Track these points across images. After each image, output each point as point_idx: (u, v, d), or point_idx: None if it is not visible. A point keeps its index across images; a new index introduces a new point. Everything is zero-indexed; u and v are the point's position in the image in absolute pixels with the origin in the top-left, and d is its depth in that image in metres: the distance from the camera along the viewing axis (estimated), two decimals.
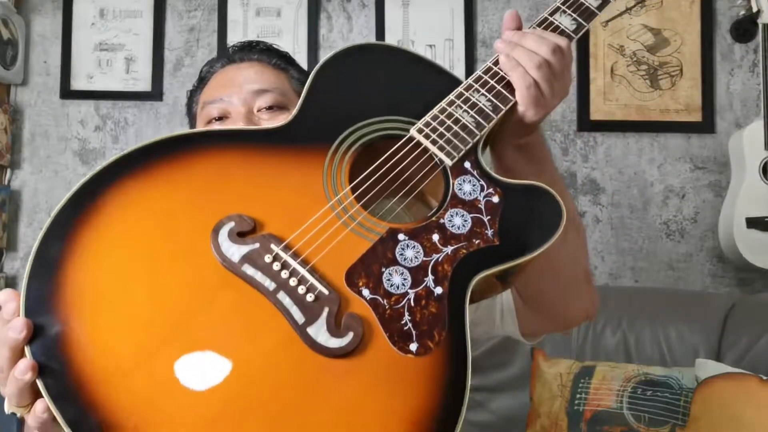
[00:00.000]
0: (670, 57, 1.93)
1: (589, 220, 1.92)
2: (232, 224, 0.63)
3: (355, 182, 0.69)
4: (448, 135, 0.73)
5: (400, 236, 0.65)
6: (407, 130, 0.73)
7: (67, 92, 2.00)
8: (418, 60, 0.81)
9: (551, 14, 0.81)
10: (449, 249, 0.65)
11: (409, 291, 0.61)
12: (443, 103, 0.75)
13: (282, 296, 0.59)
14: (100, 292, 0.59)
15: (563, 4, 0.81)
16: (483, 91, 0.76)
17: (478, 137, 0.72)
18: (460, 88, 0.76)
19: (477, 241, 0.65)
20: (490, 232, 0.66)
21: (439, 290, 0.62)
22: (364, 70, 0.79)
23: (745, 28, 1.89)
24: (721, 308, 1.54)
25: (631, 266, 1.91)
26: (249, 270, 0.60)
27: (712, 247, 1.89)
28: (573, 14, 0.82)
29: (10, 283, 1.97)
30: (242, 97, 0.97)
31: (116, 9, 2.01)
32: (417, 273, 0.63)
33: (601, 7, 0.83)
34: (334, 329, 0.58)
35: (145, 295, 0.59)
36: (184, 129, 0.84)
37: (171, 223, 0.64)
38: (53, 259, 0.59)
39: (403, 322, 0.59)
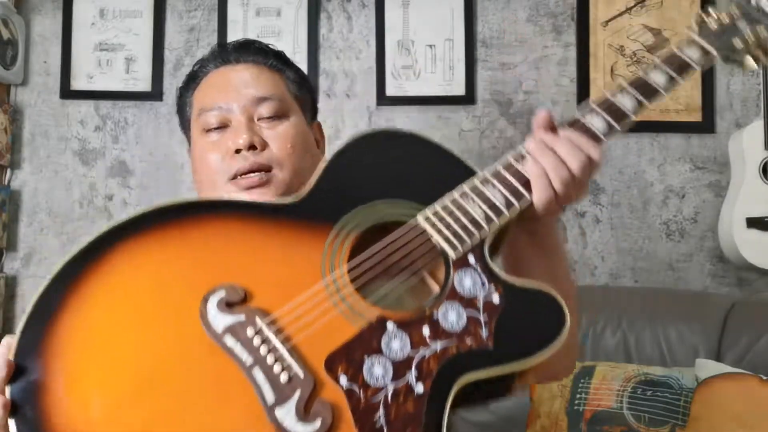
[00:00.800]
0: None
1: (589, 220, 1.92)
2: (222, 293, 0.63)
3: (352, 261, 0.68)
4: (454, 226, 0.71)
5: (389, 325, 0.62)
6: (415, 216, 0.72)
7: (67, 92, 2.00)
8: (438, 150, 0.80)
9: (582, 114, 0.78)
10: (438, 345, 0.61)
11: (388, 384, 0.59)
12: (455, 193, 0.73)
13: (257, 372, 0.59)
14: (86, 347, 0.61)
15: (596, 104, 0.79)
16: (499, 186, 0.74)
17: (486, 232, 0.70)
18: (475, 180, 0.75)
19: (469, 342, 0.62)
20: (484, 334, 0.62)
21: (420, 388, 0.58)
22: (382, 154, 0.78)
23: None
24: (721, 308, 1.54)
25: (631, 266, 1.91)
26: (229, 341, 0.60)
27: (712, 247, 1.89)
28: (605, 115, 0.78)
29: (10, 283, 1.97)
30: (242, 105, 0.95)
31: (116, 9, 2.01)
32: (400, 367, 0.60)
33: (636, 111, 0.80)
34: (303, 414, 0.56)
35: (126, 354, 0.61)
36: (191, 196, 0.85)
37: (165, 287, 0.65)
38: (49, 309, 0.62)
39: (376, 417, 0.56)
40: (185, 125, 1.04)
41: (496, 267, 0.69)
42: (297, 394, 0.57)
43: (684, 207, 1.91)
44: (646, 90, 0.79)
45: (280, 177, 0.93)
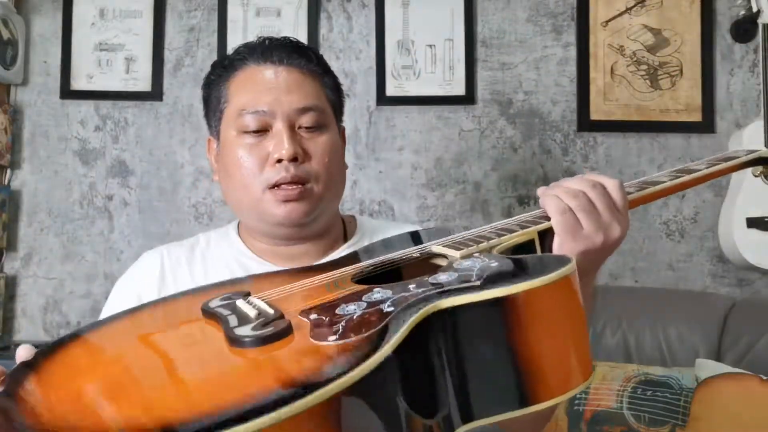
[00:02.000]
0: (670, 57, 1.93)
1: None
2: (229, 294, 0.65)
3: (357, 265, 0.70)
4: (463, 240, 0.71)
5: (376, 289, 0.59)
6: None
7: (67, 92, 2.00)
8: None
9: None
10: (421, 290, 0.57)
11: (357, 311, 0.55)
12: (473, 231, 0.74)
13: (231, 318, 0.58)
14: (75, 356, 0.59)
15: (630, 185, 0.83)
16: (514, 223, 0.75)
17: (494, 241, 0.69)
18: (493, 224, 0.76)
19: (456, 286, 0.56)
20: (475, 275, 0.58)
21: (390, 309, 0.54)
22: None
23: (745, 28, 1.89)
24: (721, 308, 1.54)
25: (631, 266, 1.91)
26: (219, 308, 0.61)
27: (712, 247, 1.89)
28: (635, 186, 0.84)
29: (10, 283, 1.97)
30: (285, 112, 0.93)
31: (116, 9, 2.01)
32: (376, 303, 0.56)
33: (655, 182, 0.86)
34: (259, 327, 0.53)
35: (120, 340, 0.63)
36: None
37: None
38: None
39: (335, 326, 0.52)
40: (213, 113, 1.01)
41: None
42: (260, 320, 0.55)
43: (684, 207, 1.91)
44: (686, 171, 0.86)
45: (316, 191, 0.94)
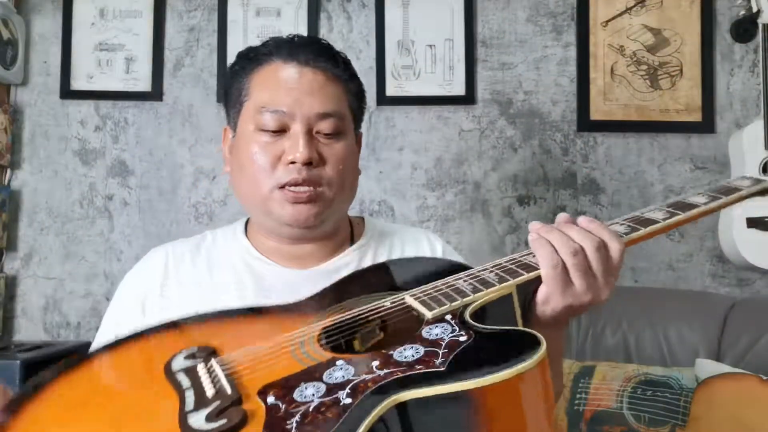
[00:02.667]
0: (670, 57, 1.93)
1: None
2: (193, 350, 0.66)
3: (328, 320, 0.69)
4: (436, 294, 0.67)
5: (339, 362, 0.58)
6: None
7: (67, 92, 2.00)
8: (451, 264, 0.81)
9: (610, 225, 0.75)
10: (383, 371, 0.54)
11: (315, 400, 0.52)
12: (449, 278, 0.71)
13: (189, 391, 0.58)
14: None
15: (626, 219, 0.77)
16: (496, 270, 0.70)
17: (470, 299, 0.65)
18: (474, 269, 0.72)
19: (420, 367, 0.53)
20: (439, 361, 0.54)
21: (347, 400, 0.51)
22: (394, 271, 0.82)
23: (745, 28, 1.89)
24: (721, 308, 1.54)
25: (631, 266, 1.91)
26: (180, 375, 0.62)
27: (712, 247, 1.89)
28: (629, 223, 0.76)
29: (10, 282, 1.97)
30: (304, 115, 0.93)
31: (116, 9, 2.01)
32: (334, 388, 0.53)
33: (666, 219, 0.79)
34: (213, 417, 0.53)
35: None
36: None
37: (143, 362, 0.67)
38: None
39: (290, 422, 0.50)
40: (233, 104, 1.00)
41: (474, 322, 0.62)
42: (216, 404, 0.55)
43: None
44: (682, 206, 0.82)
45: (327, 195, 0.94)
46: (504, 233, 1.93)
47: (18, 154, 2.01)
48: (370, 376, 0.53)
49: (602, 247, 0.69)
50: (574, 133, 1.94)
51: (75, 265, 1.98)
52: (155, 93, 2.00)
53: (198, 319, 0.75)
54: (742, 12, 1.83)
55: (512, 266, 0.70)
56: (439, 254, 1.07)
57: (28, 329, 1.97)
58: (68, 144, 2.01)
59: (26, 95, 2.03)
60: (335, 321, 0.69)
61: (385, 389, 0.51)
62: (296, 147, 0.91)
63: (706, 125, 1.91)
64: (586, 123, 1.93)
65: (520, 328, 0.64)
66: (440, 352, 0.55)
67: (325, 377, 0.55)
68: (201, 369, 0.61)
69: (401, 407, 0.50)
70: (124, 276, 1.04)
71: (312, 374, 0.56)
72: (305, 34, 1.97)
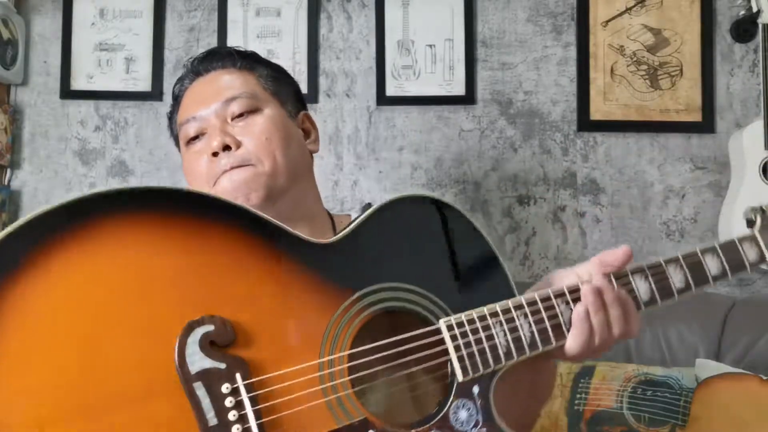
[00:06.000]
0: (670, 57, 1.93)
1: (589, 220, 1.92)
2: (210, 328, 0.55)
3: (357, 350, 0.63)
4: (473, 349, 0.66)
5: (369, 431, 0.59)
6: (437, 316, 0.67)
7: (67, 92, 2.00)
8: (482, 244, 0.74)
9: (633, 272, 0.77)
10: None
11: None
12: (486, 310, 0.68)
13: (210, 416, 0.52)
14: (25, 347, 0.51)
15: (649, 268, 0.78)
16: (531, 319, 0.69)
17: (501, 366, 0.67)
18: (509, 303, 0.69)
19: None
20: None
21: None
22: (423, 226, 0.73)
23: (745, 28, 1.89)
24: (721, 308, 1.54)
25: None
26: (200, 390, 0.53)
27: None
28: (652, 283, 0.77)
29: None
30: (214, 110, 0.95)
31: (116, 9, 2.01)
32: None
33: (681, 292, 0.79)
34: None
35: (72, 363, 0.52)
36: (209, 192, 0.76)
37: (149, 290, 0.55)
38: (6, 265, 0.52)
39: None
40: (177, 144, 1.06)
41: (495, 409, 0.65)
42: None
43: (684, 207, 1.91)
44: (698, 275, 0.79)
45: (262, 169, 0.93)
46: (504, 233, 1.93)
47: (18, 154, 2.01)
48: None
49: (625, 334, 0.73)
50: (574, 133, 1.94)
51: None
52: (155, 93, 2.00)
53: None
54: (742, 12, 1.83)
55: (545, 317, 0.69)
56: None
57: None
58: (68, 144, 2.01)
59: (26, 95, 2.03)
60: (363, 353, 0.64)
61: None
62: (212, 138, 0.93)
63: (706, 125, 1.91)
64: (586, 123, 1.93)
65: None
66: None
67: None
68: (226, 388, 0.54)
69: None
70: None
71: None
72: (305, 34, 1.97)
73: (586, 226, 1.92)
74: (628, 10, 1.94)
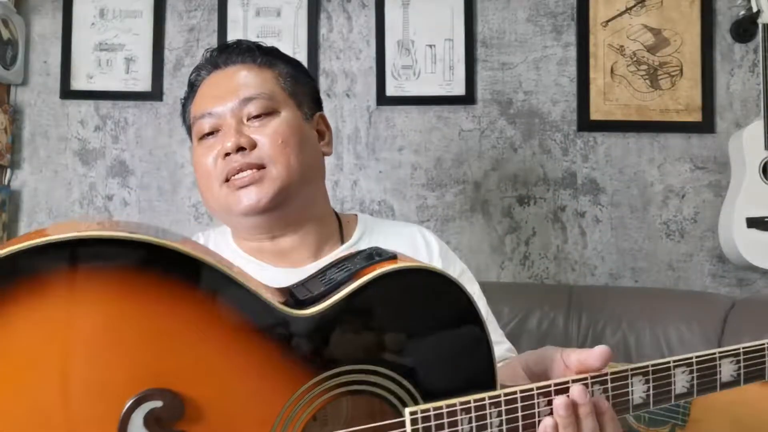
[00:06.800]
0: (670, 57, 1.93)
1: (589, 220, 1.92)
2: (159, 404, 0.52)
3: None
4: None
5: None
6: (404, 403, 0.63)
7: (67, 92, 2.00)
8: (474, 325, 0.67)
9: (634, 373, 0.69)
10: None
11: None
12: (457, 403, 0.63)
13: None
14: None
15: (654, 372, 0.70)
16: (504, 417, 0.64)
17: None
18: (486, 396, 0.64)
19: None
20: None
21: None
22: (410, 306, 0.65)
23: (745, 28, 1.89)
24: (721, 308, 1.54)
25: (631, 266, 1.91)
26: None
27: (712, 247, 1.89)
28: (651, 387, 0.70)
29: None
30: (230, 108, 0.94)
31: (116, 9, 2.01)
32: None
33: (683, 397, 0.72)
34: None
35: (14, 424, 0.49)
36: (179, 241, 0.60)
37: (97, 351, 0.51)
38: None
39: None
40: (189, 134, 1.04)
41: None
42: None
43: (684, 207, 1.91)
44: (706, 380, 0.71)
45: (275, 173, 0.93)
46: (504, 233, 1.93)
47: (18, 154, 2.01)
48: None
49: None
50: (574, 133, 1.94)
51: None
52: (155, 93, 2.00)
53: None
54: (742, 12, 1.83)
55: (519, 422, 0.64)
56: (434, 250, 1.06)
57: None
58: (68, 144, 2.01)
59: (26, 95, 2.03)
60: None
61: None
62: (226, 138, 0.92)
63: (706, 125, 1.91)
64: (586, 123, 1.93)
65: None
66: None
67: None
68: None
69: None
70: None
71: None
72: (305, 34, 1.98)
73: (586, 226, 1.92)
74: (628, 10, 1.94)
